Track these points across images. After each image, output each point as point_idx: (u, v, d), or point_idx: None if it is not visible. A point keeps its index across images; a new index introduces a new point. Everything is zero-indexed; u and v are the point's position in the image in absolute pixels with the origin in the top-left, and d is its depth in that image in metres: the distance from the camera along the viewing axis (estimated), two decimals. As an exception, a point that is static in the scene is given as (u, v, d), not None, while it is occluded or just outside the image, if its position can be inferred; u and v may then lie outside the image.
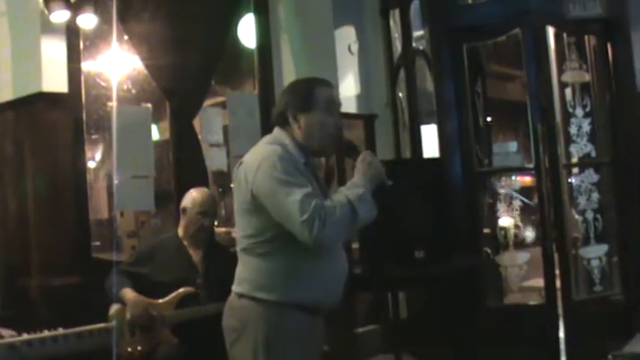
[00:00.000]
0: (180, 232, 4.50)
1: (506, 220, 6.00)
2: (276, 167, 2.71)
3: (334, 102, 2.97)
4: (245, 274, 2.89)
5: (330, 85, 3.00)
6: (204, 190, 4.62)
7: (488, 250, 5.90)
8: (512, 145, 6.01)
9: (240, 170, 2.88)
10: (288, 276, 2.80)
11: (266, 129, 3.47)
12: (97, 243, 5.69)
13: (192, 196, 4.52)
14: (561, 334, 5.50)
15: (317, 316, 2.93)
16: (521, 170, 6.15)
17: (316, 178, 2.96)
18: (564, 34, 5.94)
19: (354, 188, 2.78)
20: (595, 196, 5.85)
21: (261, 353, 2.79)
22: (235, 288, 2.92)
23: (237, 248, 2.96)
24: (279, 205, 2.69)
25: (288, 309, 2.80)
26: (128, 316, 4.09)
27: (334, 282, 2.94)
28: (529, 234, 6.29)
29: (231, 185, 3.14)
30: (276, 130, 2.96)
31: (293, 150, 2.86)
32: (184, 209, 4.51)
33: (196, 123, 5.74)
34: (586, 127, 5.87)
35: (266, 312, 2.80)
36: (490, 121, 6.91)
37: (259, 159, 2.78)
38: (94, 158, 7.63)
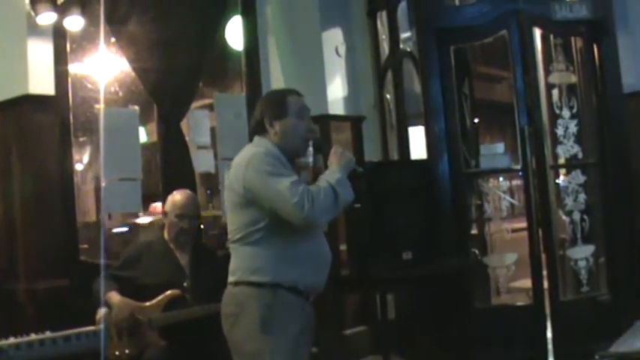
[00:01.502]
0: (165, 234, 4.49)
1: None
2: (263, 162, 3.08)
3: (305, 108, 3.33)
4: (238, 264, 3.19)
5: (300, 94, 3.37)
6: (186, 192, 4.59)
7: (476, 251, 5.91)
8: (500, 147, 6.03)
9: (231, 172, 3.21)
10: (278, 260, 3.11)
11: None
12: (85, 246, 5.68)
13: (172, 199, 4.52)
14: (549, 334, 5.53)
15: (307, 301, 3.21)
16: (508, 171, 6.16)
17: (298, 175, 3.21)
18: (551, 36, 5.97)
19: (332, 174, 3.14)
20: (582, 197, 5.87)
21: (258, 333, 3.06)
22: (230, 278, 3.21)
23: (230, 243, 3.24)
24: (271, 192, 3.04)
25: (281, 290, 3.10)
26: (114, 319, 4.08)
27: (321, 265, 3.28)
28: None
29: (219, 188, 3.39)
30: (256, 138, 3.32)
31: (275, 151, 3.20)
32: (165, 212, 4.52)
33: (184, 125, 5.74)
34: (573, 128, 5.89)
35: (260, 294, 3.08)
36: (477, 123, 6.92)
37: (247, 158, 3.14)
38: (81, 161, 7.62)
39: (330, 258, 3.34)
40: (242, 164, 3.14)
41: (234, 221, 3.21)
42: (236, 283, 3.16)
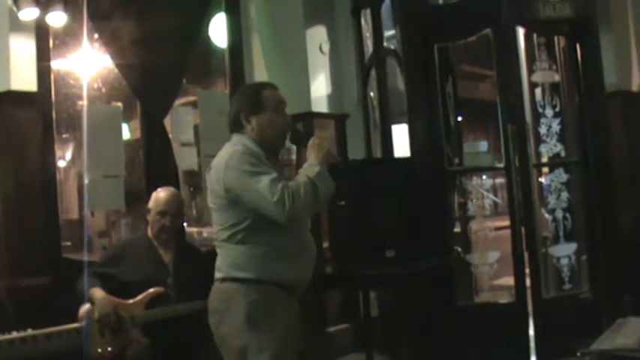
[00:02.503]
0: (149, 232, 4.48)
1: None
2: (241, 161, 3.11)
3: (281, 102, 3.36)
4: (224, 260, 3.24)
5: (275, 87, 3.41)
6: (169, 189, 4.57)
7: (459, 249, 5.92)
8: (483, 145, 6.04)
9: (211, 174, 3.25)
10: (265, 256, 3.15)
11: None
12: (68, 243, 5.65)
13: (155, 196, 4.51)
14: (531, 331, 5.54)
15: (293, 296, 3.27)
16: (491, 170, 6.18)
17: (278, 171, 3.25)
18: (534, 35, 5.98)
19: (311, 167, 3.16)
20: (564, 195, 5.89)
21: (244, 329, 3.10)
22: (217, 275, 3.26)
23: (216, 242, 3.30)
24: (252, 192, 3.07)
25: (267, 286, 3.15)
26: (96, 316, 4.06)
27: (305, 260, 3.32)
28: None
29: (202, 186, 3.42)
30: (234, 136, 3.34)
31: (253, 147, 3.23)
32: (148, 209, 4.52)
33: (167, 122, 5.72)
34: (555, 127, 5.91)
35: (246, 290, 3.13)
36: (460, 121, 6.94)
37: (225, 159, 3.17)
38: (64, 157, 7.60)
39: (314, 253, 3.38)
40: (221, 166, 3.17)
41: (219, 222, 3.25)
42: (222, 280, 3.21)
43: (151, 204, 4.50)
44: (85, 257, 4.76)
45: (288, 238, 3.19)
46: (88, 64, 5.96)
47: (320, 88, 6.62)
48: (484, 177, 6.24)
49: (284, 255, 3.19)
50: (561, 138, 5.91)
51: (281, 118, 3.33)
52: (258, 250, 3.15)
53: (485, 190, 6.08)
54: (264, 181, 3.03)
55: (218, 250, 3.29)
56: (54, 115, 5.16)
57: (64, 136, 6.89)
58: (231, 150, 3.21)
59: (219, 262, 3.27)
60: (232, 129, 3.36)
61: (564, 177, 5.90)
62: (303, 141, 3.35)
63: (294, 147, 3.47)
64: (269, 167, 3.15)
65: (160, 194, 4.50)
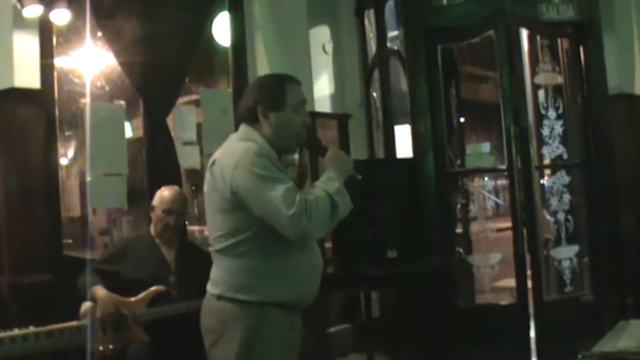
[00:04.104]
0: (152, 230, 4.48)
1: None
2: (255, 163, 2.72)
3: (303, 101, 2.99)
4: (222, 276, 2.87)
5: (299, 83, 3.01)
6: (174, 188, 4.59)
7: (461, 250, 5.93)
8: (485, 146, 6.04)
9: (215, 169, 2.85)
10: (267, 275, 2.80)
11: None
12: (69, 241, 5.65)
13: (160, 194, 4.52)
14: (532, 333, 5.55)
15: (296, 313, 2.95)
16: (493, 171, 6.18)
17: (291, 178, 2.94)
18: (538, 37, 5.99)
19: (330, 182, 2.80)
20: (567, 197, 5.90)
21: (242, 355, 2.78)
22: (212, 289, 2.90)
23: (212, 249, 2.93)
24: (263, 200, 2.69)
25: (268, 308, 2.80)
26: (98, 313, 4.06)
27: (311, 277, 2.95)
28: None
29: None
30: (244, 128, 2.95)
31: (265, 147, 2.85)
32: (152, 207, 4.52)
33: (170, 121, 5.71)
34: (558, 129, 5.92)
35: (246, 313, 2.79)
36: (463, 122, 6.94)
37: (236, 157, 2.77)
38: (66, 155, 7.58)
39: (321, 268, 3.03)
40: (230, 164, 2.77)
41: (217, 226, 2.88)
42: (219, 297, 2.85)
43: (155, 202, 4.50)
44: (87, 255, 4.76)
45: (294, 253, 2.82)
46: (92, 62, 5.95)
47: (323, 88, 6.63)
48: (486, 178, 6.24)
49: (288, 273, 2.84)
50: (564, 140, 5.93)
51: (300, 119, 2.94)
52: (259, 267, 2.80)
53: (487, 192, 6.08)
54: (280, 189, 2.66)
55: (214, 259, 2.93)
56: (57, 113, 5.15)
57: (66, 133, 6.86)
58: (241, 146, 2.82)
59: (214, 274, 2.91)
60: (244, 120, 2.96)
61: (566, 179, 5.92)
62: (321, 151, 3.00)
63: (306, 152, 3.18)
64: (284, 173, 2.80)
65: (165, 192, 4.51)
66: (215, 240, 2.89)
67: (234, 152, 2.81)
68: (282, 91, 2.91)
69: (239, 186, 2.73)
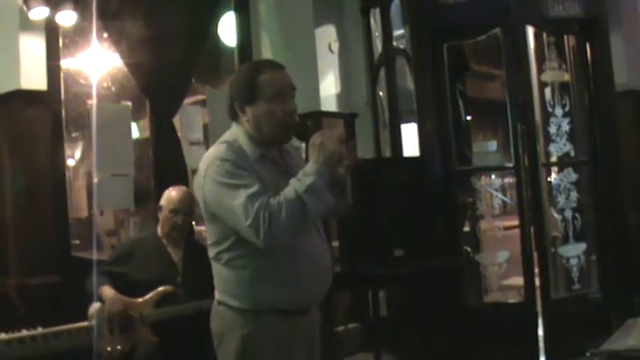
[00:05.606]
0: (159, 230, 4.49)
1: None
2: (219, 172, 2.61)
3: (282, 88, 2.74)
4: (217, 282, 2.81)
5: (275, 68, 2.80)
6: (182, 188, 4.59)
7: (468, 249, 5.92)
8: (492, 144, 6.04)
9: (196, 178, 2.80)
10: (255, 283, 2.68)
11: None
12: (77, 241, 5.67)
13: (168, 195, 4.51)
14: (540, 332, 5.54)
15: (302, 315, 2.80)
16: (500, 169, 6.17)
17: (278, 169, 2.80)
18: (544, 34, 5.97)
19: (304, 178, 2.57)
20: (574, 195, 5.88)
21: None
22: (215, 293, 2.84)
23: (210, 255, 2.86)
24: (228, 211, 2.59)
25: (264, 315, 2.69)
26: (106, 314, 4.06)
27: (311, 278, 2.76)
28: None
29: None
30: (233, 126, 2.83)
31: (245, 145, 2.73)
32: (160, 207, 4.52)
33: (176, 121, 5.73)
34: (565, 126, 5.90)
35: (241, 319, 2.71)
36: (469, 120, 6.93)
37: (205, 166, 2.69)
38: (73, 156, 7.61)
39: (325, 267, 2.85)
40: (202, 173, 2.70)
41: (208, 234, 2.81)
42: (219, 302, 2.80)
43: (163, 202, 4.50)
44: (94, 256, 4.77)
45: (283, 257, 2.64)
46: (98, 63, 5.97)
47: (329, 87, 6.62)
48: (493, 176, 6.22)
49: (280, 277, 2.67)
50: (571, 137, 5.91)
51: (280, 107, 2.71)
52: (245, 274, 2.67)
53: (494, 190, 6.07)
54: (241, 198, 2.52)
55: (211, 265, 2.84)
56: (63, 114, 5.17)
57: (73, 134, 6.90)
58: (214, 151, 2.71)
59: (215, 278, 2.83)
60: (230, 118, 2.84)
61: (574, 176, 5.90)
62: (307, 138, 2.74)
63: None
64: (253, 175, 2.61)
65: (173, 193, 4.51)
66: (208, 247, 2.83)
67: (206, 159, 2.73)
68: (253, 84, 2.72)
69: (207, 196, 2.68)
